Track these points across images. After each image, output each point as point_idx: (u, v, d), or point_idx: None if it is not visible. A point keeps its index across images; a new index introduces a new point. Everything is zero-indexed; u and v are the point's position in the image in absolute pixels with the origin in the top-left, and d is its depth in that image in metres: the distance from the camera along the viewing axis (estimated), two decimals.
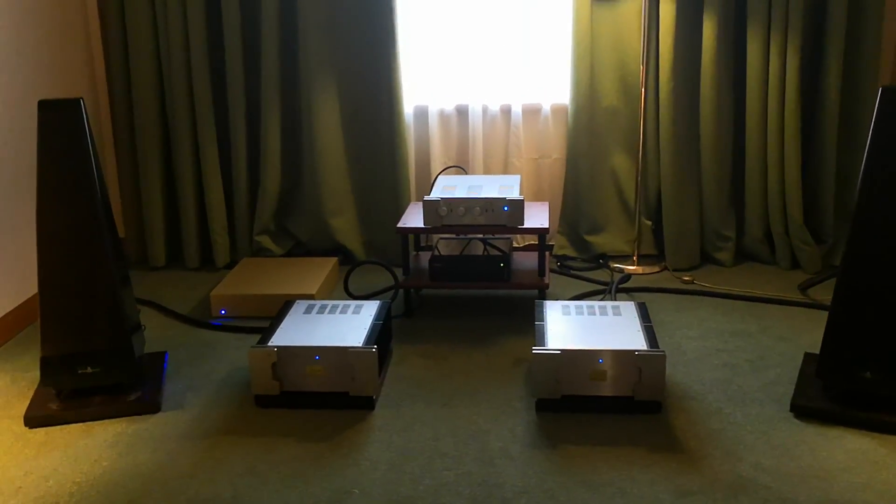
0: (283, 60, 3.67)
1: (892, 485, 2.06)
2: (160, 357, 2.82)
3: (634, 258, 3.71)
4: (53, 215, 2.38)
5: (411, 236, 3.36)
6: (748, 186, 3.61)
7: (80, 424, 2.45)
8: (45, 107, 2.35)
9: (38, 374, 2.57)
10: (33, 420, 2.45)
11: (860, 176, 2.25)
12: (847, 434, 2.29)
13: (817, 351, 2.52)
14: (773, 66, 3.41)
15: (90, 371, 2.48)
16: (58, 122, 2.35)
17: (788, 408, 2.42)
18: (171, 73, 3.62)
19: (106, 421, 2.47)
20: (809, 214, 3.61)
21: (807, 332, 2.96)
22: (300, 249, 3.91)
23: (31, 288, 3.23)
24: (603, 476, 2.14)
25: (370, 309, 2.79)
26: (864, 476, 2.10)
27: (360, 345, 2.49)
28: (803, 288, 3.38)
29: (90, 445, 2.34)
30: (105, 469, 2.23)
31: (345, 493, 2.09)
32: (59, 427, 2.44)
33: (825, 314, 2.38)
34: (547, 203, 3.41)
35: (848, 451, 2.21)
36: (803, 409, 2.40)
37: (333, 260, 3.64)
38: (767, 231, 3.66)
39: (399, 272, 3.28)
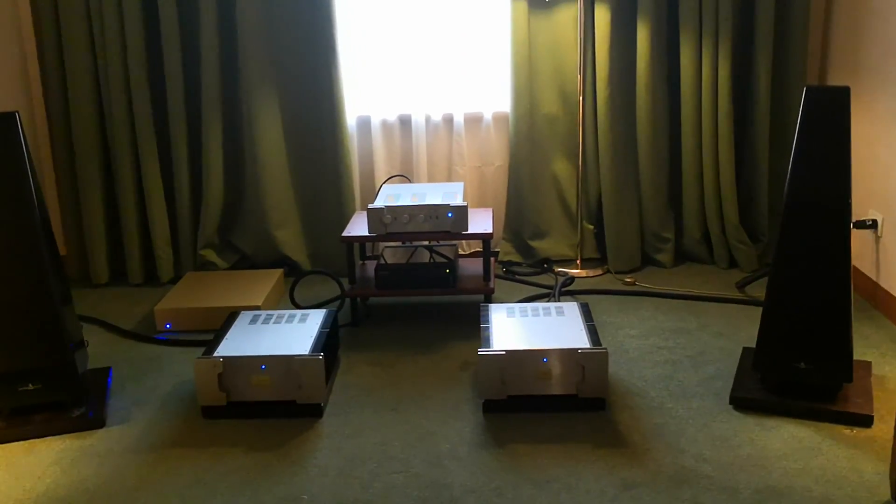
0: (224, 73, 3.66)
1: (827, 469, 2.14)
2: (104, 373, 2.79)
3: (578, 262, 3.77)
4: None
5: (357, 246, 3.37)
6: (685, 189, 3.70)
7: (23, 442, 2.41)
8: None
9: None
10: None
11: (788, 174, 2.33)
12: (784, 423, 2.36)
13: (754, 346, 2.60)
14: (706, 71, 3.52)
15: (31, 388, 2.44)
16: None
17: (728, 400, 2.49)
18: (110, 88, 3.58)
19: (49, 438, 2.44)
20: (745, 214, 3.72)
21: (744, 328, 3.04)
22: (245, 263, 3.89)
23: None
24: (549, 472, 2.17)
25: (316, 318, 2.80)
26: (801, 462, 2.17)
27: (307, 353, 2.50)
28: (740, 286, 3.48)
29: (32, 463, 2.31)
30: (48, 486, 2.19)
31: (294, 500, 2.10)
32: (0, 446, 2.40)
33: (761, 310, 2.45)
34: (491, 209, 3.46)
35: (785, 439, 2.28)
36: (742, 401, 2.47)
37: (279, 272, 3.63)
38: (705, 232, 3.76)
39: (345, 282, 3.29)
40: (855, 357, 2.53)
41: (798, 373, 2.39)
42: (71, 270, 3.79)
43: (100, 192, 3.71)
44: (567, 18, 3.62)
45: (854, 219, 3.10)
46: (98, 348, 3.08)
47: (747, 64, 3.59)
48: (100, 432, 2.47)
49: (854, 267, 3.24)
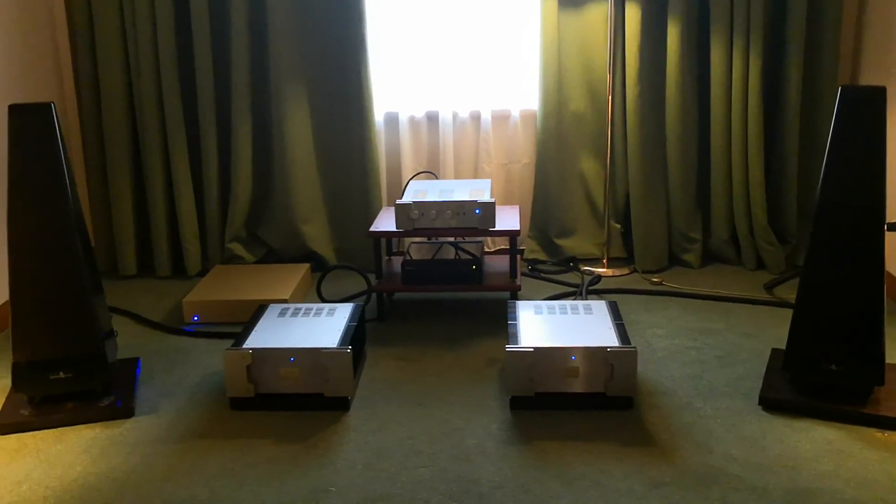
0: (254, 68, 3.68)
1: (857, 472, 2.12)
2: (133, 363, 2.81)
3: (604, 261, 3.76)
4: (24, 220, 2.37)
5: (383, 241, 3.38)
6: (713, 189, 3.68)
7: (53, 430, 2.44)
8: (15, 111, 2.34)
9: (9, 380, 2.56)
10: (5, 426, 2.43)
11: (822, 174, 2.31)
12: (814, 425, 2.34)
13: (783, 347, 2.58)
14: (736, 70, 3.49)
15: (62, 377, 2.47)
16: (29, 126, 2.34)
17: (756, 401, 2.47)
18: (141, 81, 3.61)
19: (79, 427, 2.46)
20: (773, 216, 3.69)
21: (772, 329, 3.02)
22: (272, 257, 3.91)
23: (1, 295, 3.21)
24: (577, 470, 2.17)
25: (344, 311, 2.81)
26: (831, 464, 2.15)
27: (335, 346, 2.51)
28: (768, 287, 3.45)
29: (63, 451, 2.33)
30: (79, 474, 2.21)
31: (321, 492, 2.10)
32: (31, 433, 2.42)
33: (789, 312, 2.44)
34: (517, 206, 3.45)
35: (815, 440, 2.26)
36: (771, 402, 2.45)
37: (306, 266, 3.65)
38: (733, 232, 3.73)
39: (371, 277, 3.29)
40: (887, 360, 2.50)
41: (829, 374, 2.37)
42: (99, 262, 3.82)
43: (129, 186, 3.74)
44: (597, 16, 3.60)
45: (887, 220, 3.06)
46: (126, 339, 3.10)
47: (778, 63, 3.57)
48: (128, 422, 2.49)
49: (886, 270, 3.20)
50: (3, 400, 2.59)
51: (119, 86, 3.64)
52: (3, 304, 3.21)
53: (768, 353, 2.80)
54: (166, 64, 3.58)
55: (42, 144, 2.36)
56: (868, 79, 3.48)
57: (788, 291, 3.38)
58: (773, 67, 3.57)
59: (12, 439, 2.40)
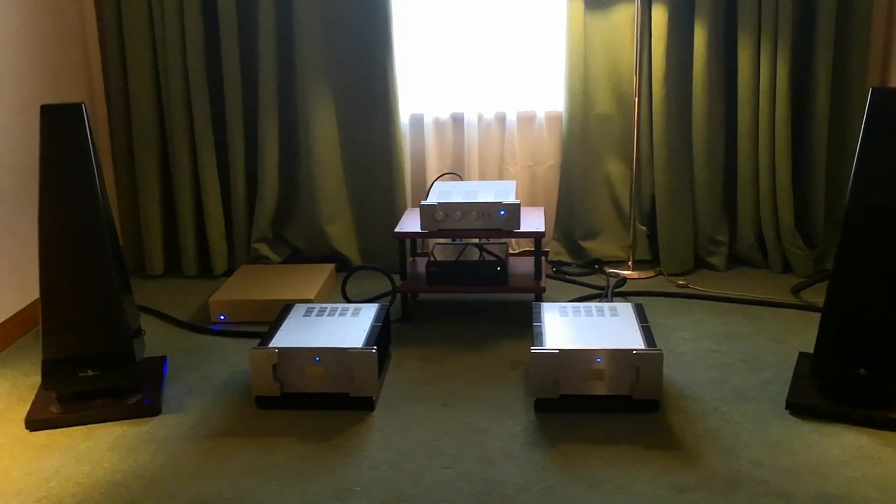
0: (280, 69, 3.71)
1: (887, 479, 2.09)
2: (160, 361, 2.84)
3: (629, 263, 3.74)
4: (55, 219, 2.40)
5: (408, 242, 3.38)
6: (740, 192, 3.66)
7: (81, 427, 2.46)
8: (47, 111, 2.37)
9: (38, 378, 2.59)
10: (34, 423, 2.46)
11: (851, 177, 2.29)
12: (842, 430, 2.32)
13: (810, 351, 2.56)
14: (764, 72, 3.47)
15: (91, 374, 2.49)
16: (60, 126, 2.37)
17: (784, 406, 2.45)
18: (169, 82, 3.65)
19: (107, 424, 2.48)
20: (801, 219, 3.66)
21: (799, 334, 3.00)
22: (297, 257, 3.93)
23: (31, 293, 3.25)
24: (602, 473, 2.16)
25: (369, 311, 2.81)
26: (860, 471, 2.13)
27: (360, 346, 2.52)
28: (796, 290, 3.42)
29: (91, 448, 2.35)
30: (107, 470, 2.24)
31: (346, 492, 2.11)
32: (60, 430, 2.45)
33: (817, 316, 2.42)
34: (542, 208, 3.45)
35: (843, 446, 2.24)
36: (799, 407, 2.43)
37: (331, 266, 3.67)
38: (760, 236, 3.71)
39: (396, 277, 3.30)
40: None
41: (858, 379, 2.34)
42: (127, 262, 3.86)
43: (157, 185, 3.78)
44: (623, 18, 3.59)
45: None
46: (154, 338, 3.13)
47: (806, 65, 3.54)
48: (155, 419, 2.51)
49: None
50: (33, 397, 2.62)
51: (147, 87, 3.68)
52: (34, 302, 3.25)
53: (795, 357, 2.77)
54: (194, 65, 3.61)
55: (73, 144, 2.38)
56: None
57: (816, 295, 3.35)
58: (801, 69, 3.54)
59: (42, 436, 2.43)
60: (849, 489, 2.06)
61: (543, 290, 3.15)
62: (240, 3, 3.63)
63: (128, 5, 3.60)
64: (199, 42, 3.61)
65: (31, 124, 3.29)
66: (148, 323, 3.28)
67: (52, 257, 2.42)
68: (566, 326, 2.62)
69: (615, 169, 3.76)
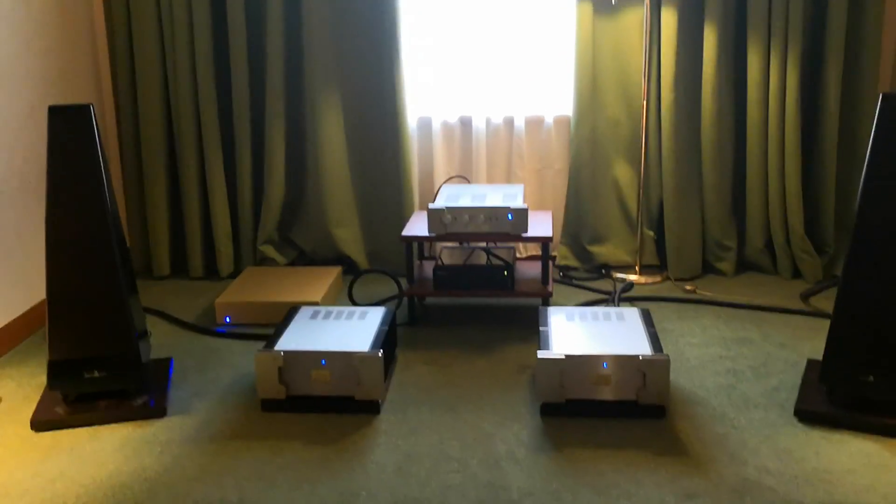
0: (288, 71, 3.71)
1: (895, 487, 2.07)
2: (165, 363, 2.83)
3: (637, 268, 3.73)
4: (63, 220, 2.40)
5: (415, 245, 3.38)
6: (749, 197, 3.64)
7: (87, 428, 2.46)
8: (55, 112, 2.37)
9: (44, 378, 2.60)
10: (40, 424, 2.46)
11: (861, 182, 2.27)
12: (851, 438, 2.30)
13: (819, 358, 2.54)
14: (774, 77, 3.45)
15: (97, 375, 2.49)
16: (68, 127, 2.37)
17: (792, 413, 2.44)
18: (177, 84, 3.65)
19: (112, 425, 2.48)
20: (810, 225, 3.64)
21: (808, 340, 2.98)
22: (304, 259, 3.93)
23: (38, 294, 3.25)
24: (608, 479, 2.15)
25: (375, 315, 2.81)
26: (869, 478, 2.11)
27: (367, 349, 2.51)
28: (805, 297, 3.40)
29: (97, 449, 2.35)
30: (111, 472, 2.23)
31: (352, 496, 2.10)
32: (65, 431, 2.45)
33: (826, 322, 2.40)
34: (550, 212, 3.44)
35: (852, 454, 2.23)
36: (807, 414, 2.41)
37: (337, 269, 3.66)
38: (768, 241, 3.69)
39: (403, 281, 3.29)
40: None
41: (867, 387, 2.32)
42: (134, 263, 3.86)
43: (164, 187, 3.78)
44: (633, 21, 3.58)
45: None
46: (159, 339, 3.13)
47: (817, 69, 3.52)
48: (161, 421, 2.51)
49: None
50: (39, 398, 2.62)
51: (156, 89, 3.68)
52: (41, 302, 3.25)
53: (804, 364, 2.76)
54: (202, 68, 3.62)
55: (81, 146, 2.38)
56: None
57: (825, 302, 3.33)
58: (811, 73, 3.53)
59: (47, 437, 2.42)
60: (857, 497, 2.04)
61: (550, 294, 3.13)
62: (248, 6, 3.63)
63: (137, 8, 3.61)
64: (208, 45, 3.61)
65: (40, 125, 3.29)
66: (154, 324, 3.29)
67: (58, 258, 2.42)
68: (573, 331, 2.61)
69: (623, 173, 3.75)
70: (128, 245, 3.82)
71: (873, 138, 2.24)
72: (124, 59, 3.70)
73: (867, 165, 2.26)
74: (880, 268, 2.27)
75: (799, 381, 2.61)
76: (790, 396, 2.54)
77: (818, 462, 2.19)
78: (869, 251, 2.28)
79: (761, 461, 2.21)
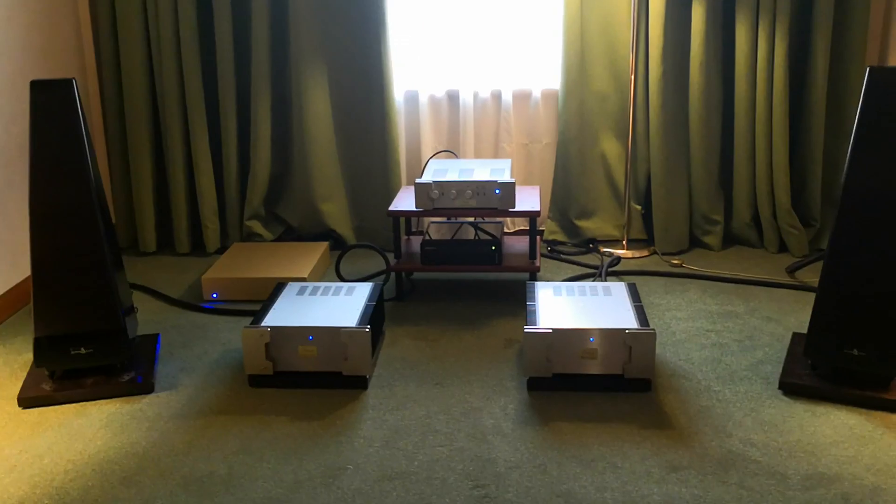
0: (274, 45, 3.67)
1: (878, 458, 2.10)
2: (153, 339, 2.83)
3: (624, 242, 3.74)
4: (46, 196, 2.38)
5: (402, 220, 3.37)
6: (736, 171, 3.64)
7: (74, 405, 2.46)
8: (37, 87, 2.34)
9: (31, 355, 2.59)
10: (27, 401, 2.46)
11: (847, 156, 2.27)
12: (834, 410, 2.32)
13: (804, 331, 2.56)
14: (761, 50, 3.44)
15: (83, 352, 2.48)
16: (50, 102, 2.35)
17: (777, 386, 2.46)
18: (161, 58, 3.61)
19: (99, 401, 2.48)
20: (797, 198, 3.65)
21: (794, 314, 2.99)
22: (291, 235, 3.92)
23: (23, 270, 3.24)
24: (594, 451, 2.16)
25: (363, 291, 2.81)
26: (852, 450, 2.14)
27: (354, 325, 2.51)
28: (791, 270, 3.42)
29: (84, 425, 2.35)
30: (99, 448, 2.23)
31: (339, 470, 2.11)
32: (52, 407, 2.45)
33: (812, 296, 2.42)
34: (538, 187, 3.43)
35: (835, 426, 2.25)
36: (791, 387, 2.43)
37: (324, 244, 3.65)
38: (755, 215, 3.70)
39: (390, 256, 3.29)
40: None
41: (850, 360, 2.34)
42: (120, 239, 3.85)
43: (149, 162, 3.75)
44: None
45: None
46: (146, 315, 3.13)
47: (804, 43, 3.51)
48: (148, 397, 2.51)
49: None
50: (25, 375, 2.61)
51: (140, 62, 3.64)
52: (26, 279, 3.24)
53: (789, 337, 2.77)
54: (187, 40, 3.58)
55: (64, 120, 2.36)
56: None
57: (811, 275, 3.35)
58: (799, 47, 3.52)
59: (34, 413, 2.42)
60: (840, 468, 2.06)
61: (538, 269, 3.14)
62: None
63: None
64: (192, 18, 3.57)
65: (22, 100, 3.25)
66: (141, 300, 3.28)
67: (43, 234, 2.40)
68: (560, 306, 2.61)
69: (611, 147, 3.74)
70: (113, 221, 3.81)
71: (860, 112, 2.24)
72: (108, 34, 3.65)
73: (853, 138, 2.26)
74: (865, 242, 2.28)
75: (784, 355, 2.63)
76: (775, 369, 2.56)
77: (802, 434, 2.22)
78: (854, 225, 2.29)
79: (746, 433, 2.23)
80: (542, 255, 3.67)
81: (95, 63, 3.77)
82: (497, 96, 3.80)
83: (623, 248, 3.71)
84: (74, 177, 2.38)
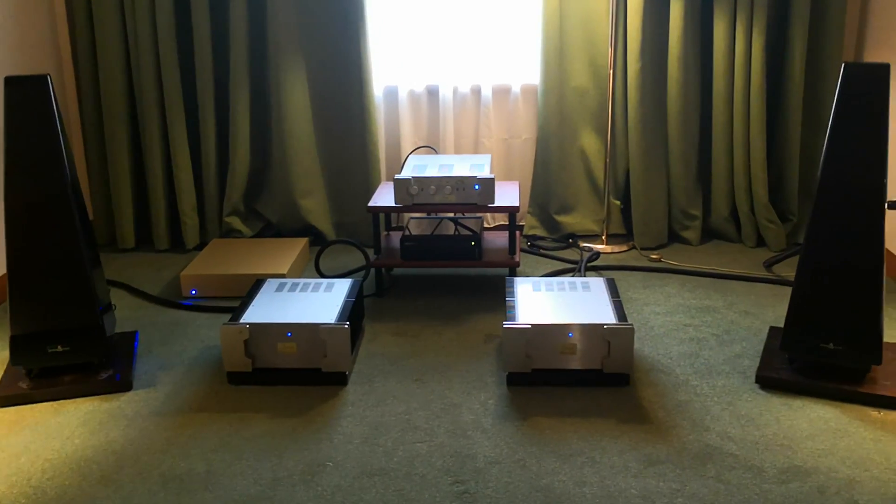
0: (252, 40, 3.65)
1: (853, 451, 2.12)
2: (131, 337, 2.81)
3: (603, 237, 3.75)
4: (22, 192, 2.36)
5: (382, 216, 3.37)
6: (714, 166, 3.66)
7: (51, 403, 2.44)
8: (11, 83, 2.32)
9: (6, 353, 2.56)
10: (3, 399, 2.44)
11: (823, 152, 2.29)
12: (811, 404, 2.35)
13: (781, 325, 2.57)
14: (739, 46, 3.46)
15: (60, 350, 2.47)
16: (25, 98, 2.33)
17: (754, 380, 2.48)
18: (139, 53, 3.58)
19: (77, 399, 2.46)
20: (774, 193, 3.68)
21: (771, 308, 3.02)
22: (270, 230, 3.91)
23: None
24: (573, 446, 2.17)
25: (342, 287, 2.80)
26: (827, 443, 2.16)
27: (333, 321, 2.50)
28: (768, 265, 3.44)
29: (61, 423, 2.33)
30: (77, 446, 2.22)
31: (318, 466, 2.11)
32: (29, 406, 2.43)
33: (789, 290, 2.44)
34: (517, 182, 3.44)
35: (811, 419, 2.27)
36: (768, 381, 2.45)
37: (304, 240, 3.64)
38: (733, 210, 3.72)
39: (370, 252, 3.29)
40: (885, 339, 2.50)
41: (826, 353, 2.37)
42: (98, 235, 3.82)
43: (127, 158, 3.73)
44: None
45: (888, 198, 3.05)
46: (124, 312, 3.11)
47: (781, 39, 3.54)
48: (127, 395, 2.49)
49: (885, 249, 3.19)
50: (2, 373, 2.59)
51: (117, 57, 3.61)
52: (1, 276, 3.21)
53: (766, 331, 2.80)
54: (164, 35, 3.55)
55: (38, 117, 2.34)
56: (872, 55, 3.45)
57: (788, 269, 3.38)
58: (776, 43, 3.54)
59: (11, 412, 2.40)
60: (816, 461, 2.08)
61: (517, 264, 3.15)
62: None
63: None
64: (170, 12, 3.54)
65: None
66: (119, 297, 3.25)
67: (18, 231, 2.38)
68: (539, 301, 2.62)
69: (590, 142, 3.76)
70: (92, 217, 3.78)
71: (835, 107, 2.26)
72: (84, 31, 3.62)
73: (829, 134, 2.28)
74: (841, 235, 2.30)
75: (761, 349, 2.65)
76: (752, 363, 2.58)
77: (779, 428, 2.24)
78: (830, 219, 2.31)
79: (723, 427, 2.24)
80: (522, 251, 3.68)
81: (72, 58, 3.73)
82: (477, 91, 3.80)
83: (602, 243, 3.73)
84: (50, 173, 2.36)
